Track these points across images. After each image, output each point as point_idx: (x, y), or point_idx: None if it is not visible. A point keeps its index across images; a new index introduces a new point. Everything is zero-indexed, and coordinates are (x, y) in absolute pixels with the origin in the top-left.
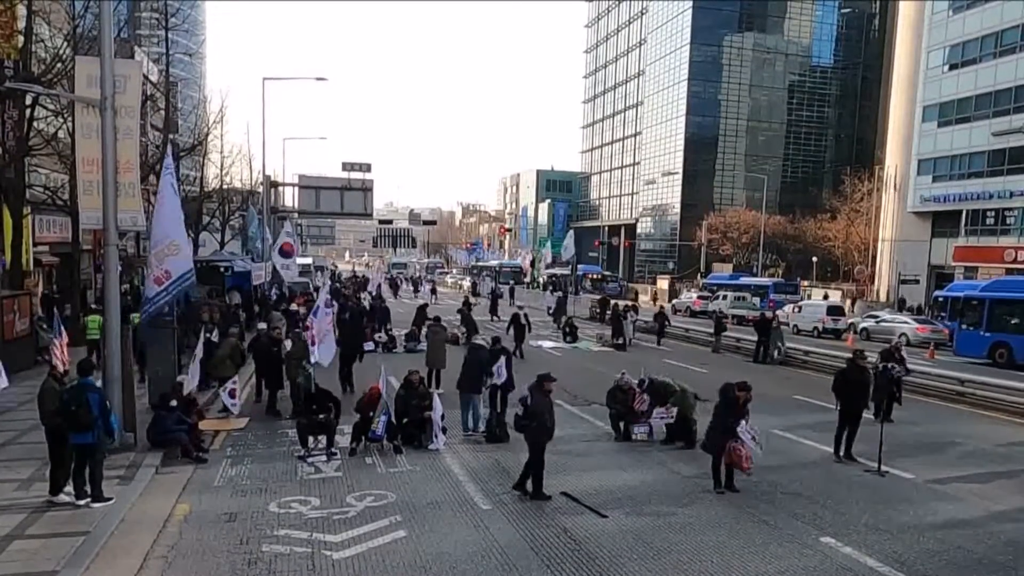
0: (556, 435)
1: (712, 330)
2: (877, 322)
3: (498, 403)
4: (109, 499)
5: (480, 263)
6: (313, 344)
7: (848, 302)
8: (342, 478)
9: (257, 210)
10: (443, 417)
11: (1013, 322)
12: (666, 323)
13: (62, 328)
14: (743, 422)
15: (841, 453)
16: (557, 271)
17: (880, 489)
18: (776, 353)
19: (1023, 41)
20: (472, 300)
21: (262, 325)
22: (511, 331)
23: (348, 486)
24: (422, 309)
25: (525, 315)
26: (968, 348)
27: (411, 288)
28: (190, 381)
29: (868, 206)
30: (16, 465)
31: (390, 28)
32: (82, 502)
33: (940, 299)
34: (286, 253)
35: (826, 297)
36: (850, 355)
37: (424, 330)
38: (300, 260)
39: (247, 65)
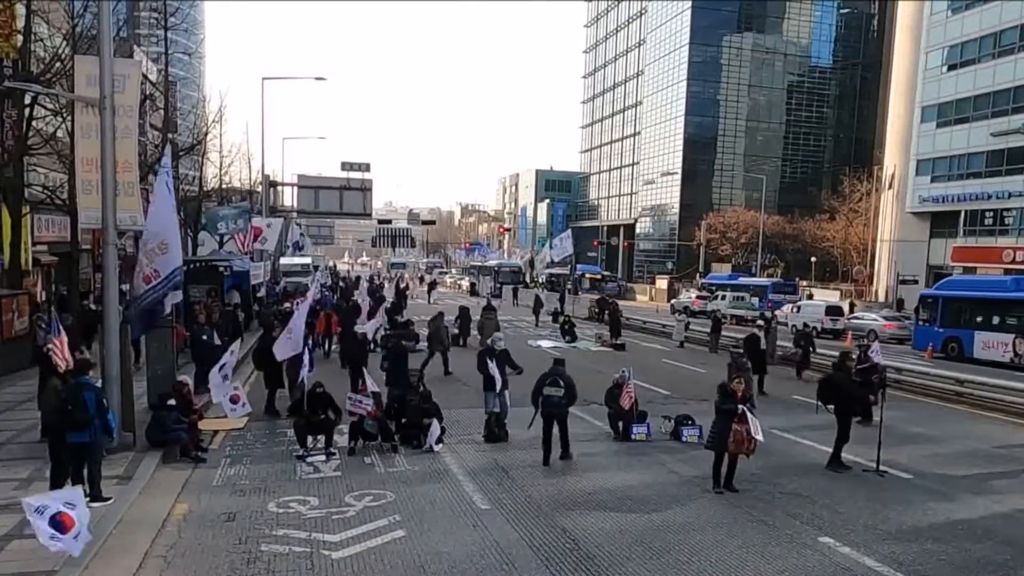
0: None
1: (709, 329)
2: (848, 319)
3: (495, 403)
4: (108, 499)
5: (480, 262)
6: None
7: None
8: (341, 478)
9: (256, 210)
10: (441, 418)
11: (963, 318)
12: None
13: (60, 327)
14: (743, 408)
15: (841, 460)
16: (556, 271)
17: (878, 489)
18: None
19: (1022, 42)
20: (496, 303)
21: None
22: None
23: (347, 486)
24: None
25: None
26: (924, 343)
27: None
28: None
29: (867, 206)
30: (15, 464)
31: (390, 28)
32: (96, 504)
33: None
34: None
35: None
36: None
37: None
38: (299, 260)
39: (246, 65)
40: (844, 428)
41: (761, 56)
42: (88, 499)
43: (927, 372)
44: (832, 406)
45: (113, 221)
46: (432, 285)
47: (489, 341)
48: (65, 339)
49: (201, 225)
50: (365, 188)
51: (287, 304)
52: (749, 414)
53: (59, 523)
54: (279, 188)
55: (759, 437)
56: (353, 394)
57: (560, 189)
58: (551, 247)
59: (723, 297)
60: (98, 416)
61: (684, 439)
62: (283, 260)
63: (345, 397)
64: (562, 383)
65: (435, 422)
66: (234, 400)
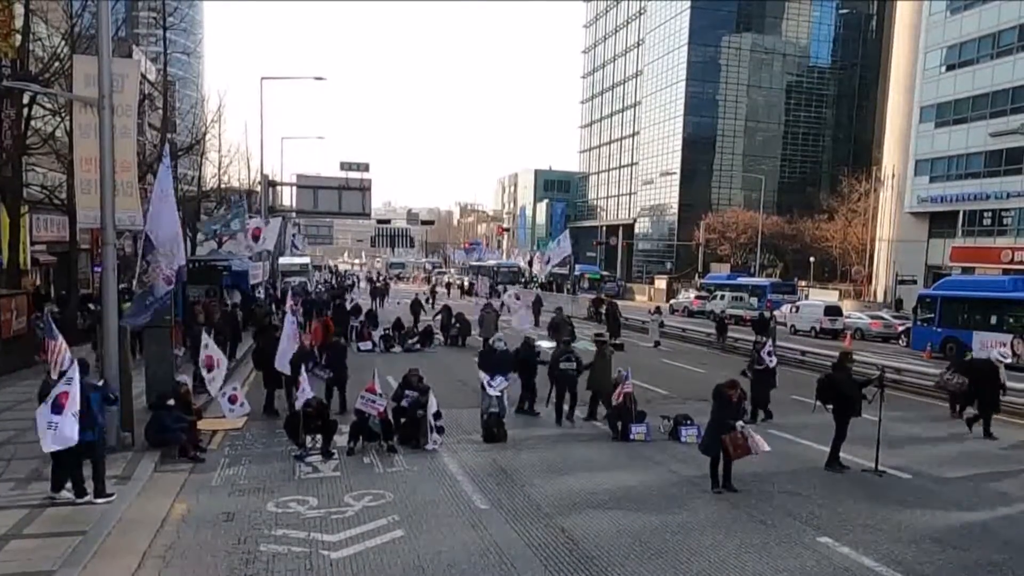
0: (553, 434)
1: (713, 330)
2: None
3: (496, 403)
4: (111, 495)
5: (478, 262)
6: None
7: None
8: (340, 478)
9: (255, 209)
10: (438, 416)
11: (962, 318)
12: None
13: (54, 328)
14: (741, 422)
15: (839, 460)
16: (555, 271)
17: (877, 489)
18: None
19: (1020, 42)
20: (496, 303)
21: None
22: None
23: (346, 486)
24: (446, 309)
25: None
26: (922, 343)
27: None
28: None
29: (865, 206)
30: (14, 464)
31: (389, 28)
32: (81, 500)
33: None
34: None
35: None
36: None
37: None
38: (297, 259)
39: (245, 64)
40: (842, 428)
41: (760, 56)
42: (91, 496)
43: (926, 372)
44: (831, 406)
45: (112, 221)
46: (447, 286)
47: (491, 341)
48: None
49: (199, 228)
50: (364, 188)
51: (275, 306)
52: (749, 429)
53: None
54: (278, 188)
55: (766, 448)
56: (366, 393)
57: (559, 189)
58: (550, 248)
59: (722, 297)
60: (102, 413)
61: (683, 439)
62: (281, 260)
63: (358, 396)
64: (574, 358)
65: (432, 401)
66: (232, 400)
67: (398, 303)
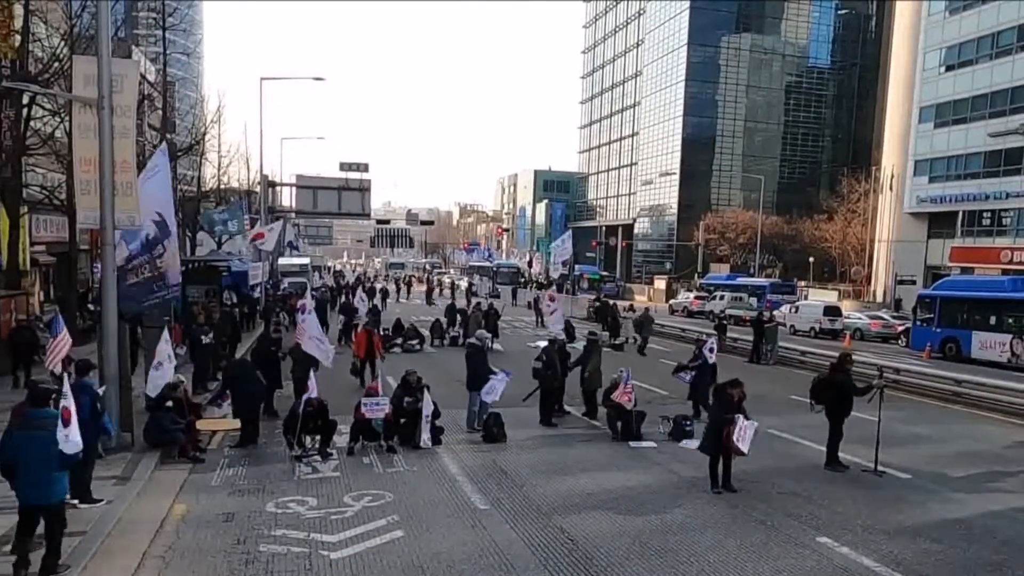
0: (553, 434)
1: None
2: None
3: (477, 401)
4: (98, 501)
5: (482, 262)
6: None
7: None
8: (340, 478)
9: (255, 210)
10: (437, 415)
11: (961, 319)
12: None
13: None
14: (740, 417)
15: (839, 460)
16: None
17: (877, 489)
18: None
19: (1019, 42)
20: (497, 304)
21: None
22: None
23: (346, 486)
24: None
25: None
26: (921, 343)
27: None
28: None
29: (865, 206)
30: None
31: (389, 28)
32: (84, 505)
33: None
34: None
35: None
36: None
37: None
38: (297, 260)
39: (245, 65)
40: (836, 427)
41: (759, 56)
42: (77, 500)
43: (925, 372)
44: (821, 405)
45: (111, 221)
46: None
47: (475, 338)
48: (67, 340)
49: (199, 225)
50: (363, 188)
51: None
52: (742, 421)
53: None
54: (277, 188)
55: (744, 449)
56: (367, 398)
57: (558, 189)
58: (555, 249)
59: (721, 297)
60: (92, 419)
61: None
62: (281, 260)
63: (360, 402)
64: (544, 358)
65: (427, 399)
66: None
67: (432, 304)
